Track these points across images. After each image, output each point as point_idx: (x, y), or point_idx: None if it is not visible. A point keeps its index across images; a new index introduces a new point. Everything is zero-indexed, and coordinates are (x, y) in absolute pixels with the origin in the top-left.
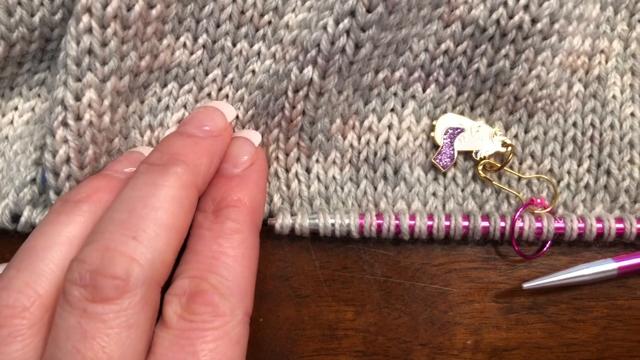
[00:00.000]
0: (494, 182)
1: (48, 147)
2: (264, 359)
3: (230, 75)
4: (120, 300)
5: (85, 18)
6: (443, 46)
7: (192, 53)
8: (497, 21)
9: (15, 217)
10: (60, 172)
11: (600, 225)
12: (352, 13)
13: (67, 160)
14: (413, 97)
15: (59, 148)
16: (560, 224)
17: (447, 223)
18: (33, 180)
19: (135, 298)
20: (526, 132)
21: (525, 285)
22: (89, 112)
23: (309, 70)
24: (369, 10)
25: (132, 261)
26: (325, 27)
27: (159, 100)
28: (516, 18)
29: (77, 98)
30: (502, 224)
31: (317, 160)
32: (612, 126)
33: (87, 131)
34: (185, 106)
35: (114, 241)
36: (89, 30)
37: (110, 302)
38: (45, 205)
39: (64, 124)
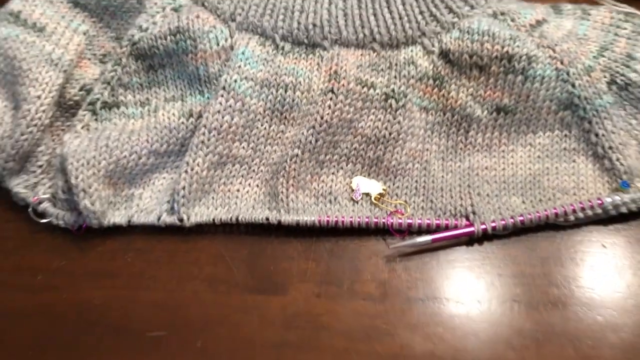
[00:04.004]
0: (380, 205)
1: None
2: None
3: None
4: None
5: (205, 132)
6: (355, 146)
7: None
8: (375, 134)
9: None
10: (179, 200)
11: (428, 221)
12: (313, 127)
13: (184, 194)
14: (342, 168)
15: (182, 183)
16: (411, 221)
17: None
18: (167, 202)
19: None
20: (393, 184)
21: (392, 246)
22: (197, 168)
23: (295, 151)
24: (318, 131)
25: None
26: (303, 133)
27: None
28: (382, 133)
29: (194, 160)
30: (384, 220)
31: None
32: (433, 181)
33: (195, 177)
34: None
35: None
36: (205, 142)
37: None
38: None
39: (186, 171)
